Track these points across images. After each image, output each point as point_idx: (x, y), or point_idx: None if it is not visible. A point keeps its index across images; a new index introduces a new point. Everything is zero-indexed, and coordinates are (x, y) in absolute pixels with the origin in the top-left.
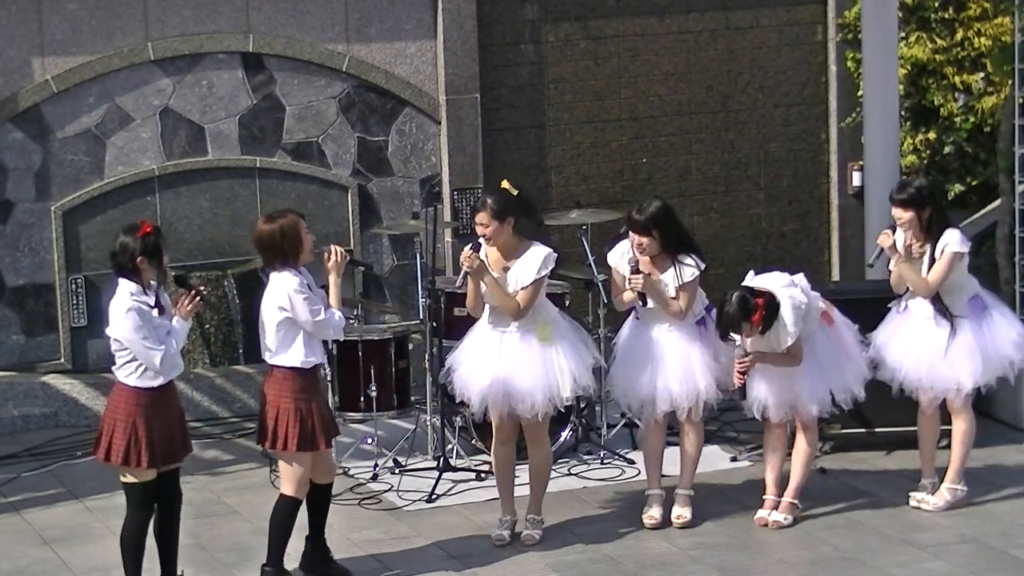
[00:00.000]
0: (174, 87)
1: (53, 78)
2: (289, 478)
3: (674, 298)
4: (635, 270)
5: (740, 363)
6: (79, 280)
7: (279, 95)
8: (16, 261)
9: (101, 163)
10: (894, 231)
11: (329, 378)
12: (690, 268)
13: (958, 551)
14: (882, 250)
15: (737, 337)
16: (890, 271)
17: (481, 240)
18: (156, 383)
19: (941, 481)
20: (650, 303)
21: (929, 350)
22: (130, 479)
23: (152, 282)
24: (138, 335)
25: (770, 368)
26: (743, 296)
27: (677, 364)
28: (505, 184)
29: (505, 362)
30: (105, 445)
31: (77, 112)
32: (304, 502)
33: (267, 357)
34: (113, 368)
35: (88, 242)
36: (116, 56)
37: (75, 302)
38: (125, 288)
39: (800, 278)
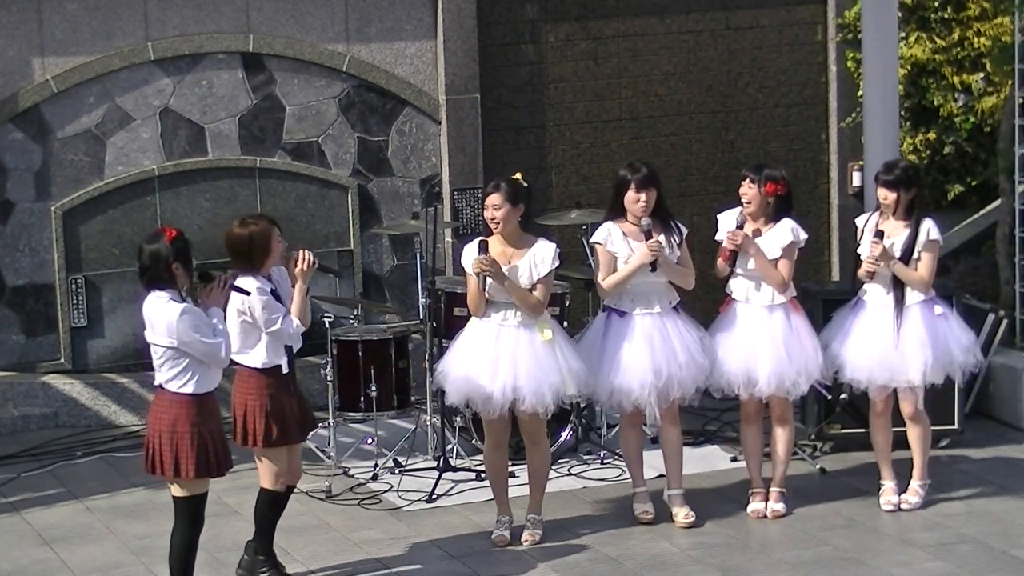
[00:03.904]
0: (174, 87)
1: (53, 78)
2: (263, 471)
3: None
4: (648, 234)
5: (732, 236)
6: (79, 280)
7: (279, 95)
8: (16, 261)
9: (101, 163)
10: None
11: (330, 379)
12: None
13: (958, 551)
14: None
15: (737, 217)
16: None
17: (487, 240)
18: (210, 387)
19: (904, 480)
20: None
21: (881, 342)
22: (183, 492)
23: (182, 289)
24: (197, 334)
25: (733, 343)
26: (777, 168)
27: (656, 354)
28: (518, 176)
29: (510, 357)
30: (171, 461)
31: (77, 112)
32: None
33: (233, 355)
34: (163, 382)
35: (88, 242)
36: (116, 56)
37: (75, 302)
38: (162, 296)
39: None
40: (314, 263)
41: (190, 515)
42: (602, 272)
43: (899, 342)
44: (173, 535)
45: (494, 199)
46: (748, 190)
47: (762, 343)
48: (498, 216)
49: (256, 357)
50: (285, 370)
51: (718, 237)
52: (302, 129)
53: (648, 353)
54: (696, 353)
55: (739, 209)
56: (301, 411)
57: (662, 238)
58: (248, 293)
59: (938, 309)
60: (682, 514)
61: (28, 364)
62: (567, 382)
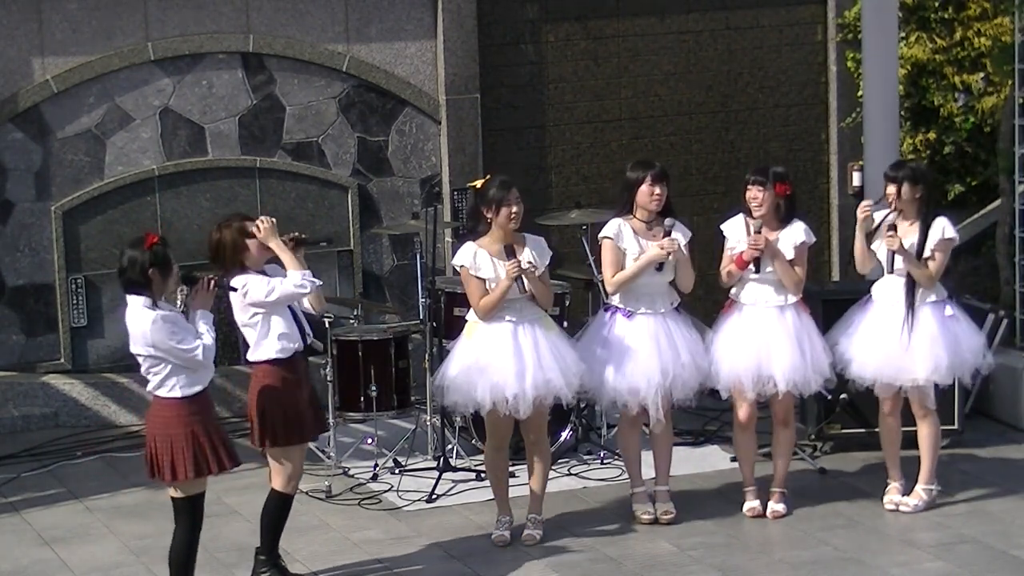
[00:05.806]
0: (174, 87)
1: (53, 78)
2: (278, 473)
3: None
4: (668, 232)
5: (754, 241)
6: (79, 280)
7: (279, 95)
8: (16, 261)
9: (101, 163)
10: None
11: (330, 379)
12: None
13: (958, 551)
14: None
15: (751, 224)
16: (852, 252)
17: (511, 244)
18: (199, 388)
19: (913, 482)
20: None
21: (888, 340)
22: (180, 493)
23: (163, 295)
24: (173, 340)
25: (744, 342)
26: (782, 168)
27: (663, 354)
28: (478, 183)
29: (533, 352)
30: (168, 464)
31: (77, 112)
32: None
33: (249, 355)
34: (151, 389)
35: (88, 242)
36: (116, 56)
37: (75, 302)
38: (138, 303)
39: None
40: (269, 223)
41: (189, 515)
42: (610, 268)
43: (910, 341)
44: (173, 536)
45: (517, 195)
46: (758, 195)
47: (776, 342)
48: (521, 212)
49: (270, 347)
50: (301, 347)
51: (729, 246)
52: (302, 129)
53: (655, 353)
54: (696, 354)
55: (741, 216)
56: (314, 406)
57: (680, 236)
58: (235, 290)
59: (948, 311)
60: (663, 510)
61: (28, 364)
62: (575, 375)
